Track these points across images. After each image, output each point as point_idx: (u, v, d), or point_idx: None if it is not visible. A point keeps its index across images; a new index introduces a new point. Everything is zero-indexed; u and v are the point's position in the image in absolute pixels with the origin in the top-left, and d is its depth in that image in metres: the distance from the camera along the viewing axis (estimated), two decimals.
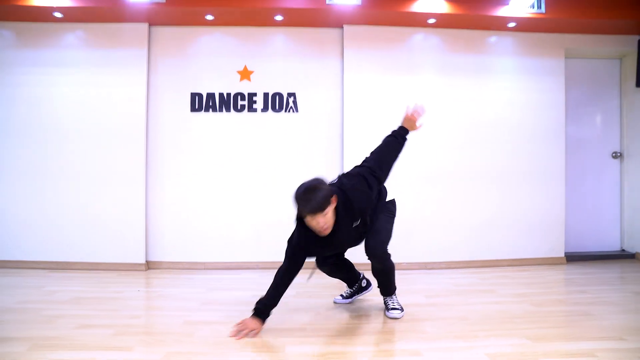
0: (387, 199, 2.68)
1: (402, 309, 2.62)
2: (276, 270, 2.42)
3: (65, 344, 2.14)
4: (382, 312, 2.69)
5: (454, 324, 2.46)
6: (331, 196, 2.24)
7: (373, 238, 2.48)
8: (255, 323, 2.32)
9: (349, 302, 2.90)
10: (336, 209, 2.29)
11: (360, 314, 2.68)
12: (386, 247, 2.52)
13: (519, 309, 2.75)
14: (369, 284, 2.94)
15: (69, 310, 2.68)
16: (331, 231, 2.30)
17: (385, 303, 2.68)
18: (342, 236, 2.38)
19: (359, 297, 2.95)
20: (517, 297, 3.02)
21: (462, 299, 2.97)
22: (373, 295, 2.95)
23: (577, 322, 2.49)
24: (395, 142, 2.62)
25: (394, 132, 2.65)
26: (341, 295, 2.92)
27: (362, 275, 2.93)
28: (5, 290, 3.13)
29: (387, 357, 2.06)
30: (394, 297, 2.68)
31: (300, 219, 2.35)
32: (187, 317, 2.58)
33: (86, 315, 2.59)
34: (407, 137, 2.66)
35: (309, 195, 2.19)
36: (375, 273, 2.60)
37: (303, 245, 2.37)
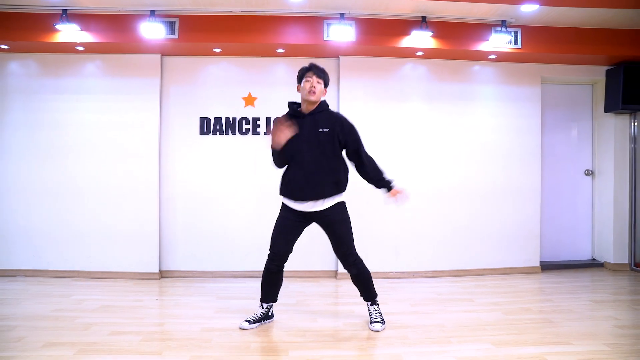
0: (339, 200, 2.83)
1: (383, 322, 2.91)
2: None
3: (105, 349, 2.54)
4: (366, 320, 3.09)
5: (432, 331, 2.88)
6: (327, 84, 2.84)
7: (340, 248, 2.86)
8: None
9: (255, 327, 2.91)
10: (323, 103, 2.83)
11: (352, 321, 3.07)
12: (355, 252, 2.87)
13: (490, 316, 3.17)
14: (272, 316, 3.04)
15: (100, 319, 3.07)
16: (307, 118, 2.77)
17: (369, 313, 2.99)
18: (310, 130, 2.74)
19: (262, 324, 2.97)
20: (491, 305, 3.44)
21: (442, 307, 3.39)
22: (361, 304, 3.36)
23: (537, 328, 2.91)
24: (376, 171, 2.91)
25: (383, 175, 2.90)
26: (247, 321, 2.91)
27: (272, 305, 3.03)
28: (38, 299, 3.53)
29: None
30: (376, 306, 2.99)
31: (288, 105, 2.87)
32: (204, 325, 2.97)
33: (115, 323, 2.98)
34: (379, 187, 2.91)
35: (323, 68, 2.82)
36: (354, 280, 2.95)
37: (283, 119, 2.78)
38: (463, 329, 2.91)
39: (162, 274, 4.31)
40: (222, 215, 4.34)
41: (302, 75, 2.81)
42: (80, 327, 2.89)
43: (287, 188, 2.82)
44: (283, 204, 2.90)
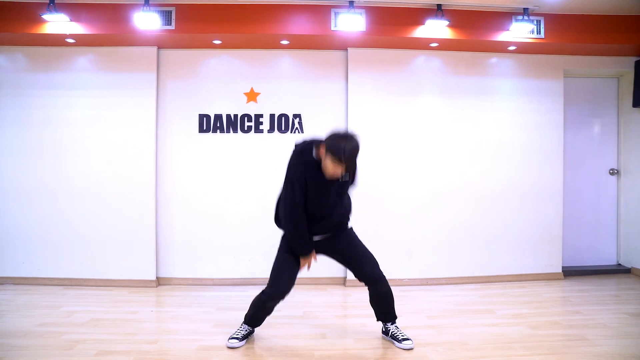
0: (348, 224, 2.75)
1: (410, 338, 2.69)
2: (286, 222, 2.57)
3: None
4: (378, 335, 2.81)
5: (454, 349, 2.60)
6: None
7: (367, 264, 2.63)
8: (309, 257, 2.57)
9: (243, 344, 2.71)
10: None
11: (362, 338, 2.80)
12: (379, 266, 2.66)
13: (516, 332, 2.88)
14: (253, 330, 2.83)
15: (88, 335, 2.81)
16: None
17: (391, 333, 2.72)
18: (333, 181, 2.49)
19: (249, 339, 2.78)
20: (515, 317, 3.15)
21: (462, 321, 3.10)
22: (371, 316, 3.08)
23: (571, 347, 2.62)
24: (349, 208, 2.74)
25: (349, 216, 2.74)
26: (236, 339, 2.68)
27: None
28: (24, 311, 3.27)
29: None
30: (396, 324, 2.76)
31: (301, 152, 2.50)
32: (201, 342, 2.71)
33: (104, 340, 2.72)
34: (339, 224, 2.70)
35: (355, 146, 2.33)
36: (378, 298, 2.69)
37: (300, 169, 2.46)
38: (488, 347, 2.63)
39: (160, 282, 4.05)
40: (223, 218, 4.07)
41: (334, 152, 2.32)
42: (64, 346, 2.63)
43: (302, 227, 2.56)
44: (284, 239, 2.65)
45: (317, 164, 2.46)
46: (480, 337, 2.79)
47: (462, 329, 2.93)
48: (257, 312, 2.70)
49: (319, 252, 2.65)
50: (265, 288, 2.62)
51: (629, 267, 4.39)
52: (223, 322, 3.08)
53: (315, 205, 2.52)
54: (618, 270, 4.41)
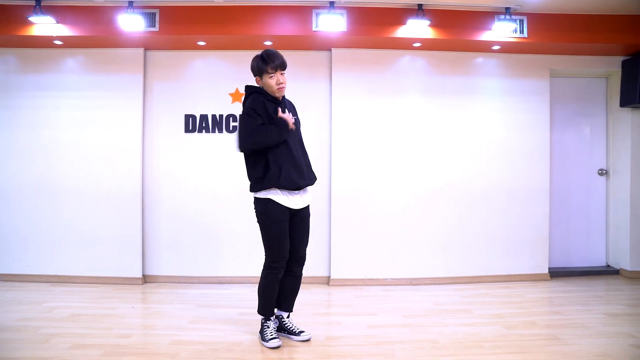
0: None
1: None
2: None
3: None
4: (358, 333, 2.81)
5: (423, 347, 2.60)
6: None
7: (304, 245, 2.68)
8: (287, 124, 2.50)
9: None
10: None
11: (339, 334, 2.80)
12: None
13: (490, 331, 2.86)
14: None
15: (66, 329, 2.86)
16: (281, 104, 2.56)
17: (286, 326, 2.71)
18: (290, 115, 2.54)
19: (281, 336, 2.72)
20: (492, 317, 3.14)
21: (438, 320, 3.09)
22: (350, 314, 3.09)
23: (542, 346, 2.61)
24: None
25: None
26: (276, 339, 2.61)
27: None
28: (7, 306, 3.34)
29: None
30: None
31: (251, 90, 2.56)
32: (175, 337, 2.74)
33: (80, 335, 2.76)
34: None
35: (279, 53, 2.51)
36: (293, 284, 2.69)
37: (260, 105, 2.49)
38: (458, 346, 2.62)
39: (146, 279, 4.10)
40: (208, 217, 4.11)
41: (259, 68, 2.51)
42: (40, 340, 2.67)
43: (285, 177, 2.49)
44: (271, 205, 2.53)
45: (268, 98, 2.54)
46: (452, 336, 2.78)
47: (435, 328, 2.92)
48: (268, 295, 2.61)
49: (291, 221, 2.60)
50: (269, 264, 2.57)
51: (618, 268, 4.34)
52: (200, 318, 3.11)
53: (281, 150, 2.50)
54: (607, 272, 4.36)
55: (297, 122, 2.63)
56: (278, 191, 2.51)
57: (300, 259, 2.70)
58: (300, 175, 2.54)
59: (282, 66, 2.52)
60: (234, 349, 2.59)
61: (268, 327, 2.64)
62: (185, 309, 3.32)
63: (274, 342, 2.57)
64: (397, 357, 2.46)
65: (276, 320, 2.73)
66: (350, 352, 2.53)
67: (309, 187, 2.65)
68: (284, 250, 2.57)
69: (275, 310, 2.75)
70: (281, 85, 2.53)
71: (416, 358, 2.45)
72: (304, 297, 3.67)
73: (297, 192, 2.56)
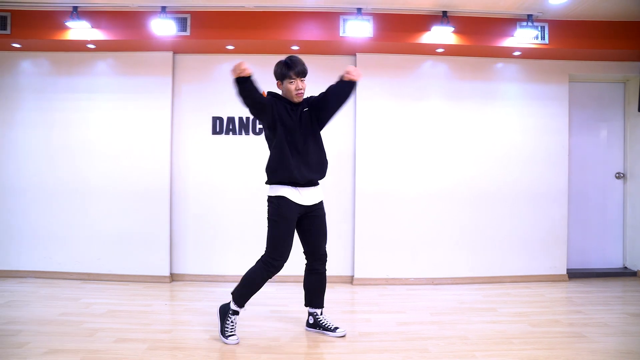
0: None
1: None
2: None
3: (109, 357, 2.43)
4: (382, 329, 2.91)
5: (454, 344, 2.69)
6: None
7: (322, 244, 2.75)
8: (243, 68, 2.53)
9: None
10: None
11: (369, 331, 2.90)
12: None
13: (516, 329, 2.96)
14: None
15: (107, 324, 2.97)
16: (298, 108, 2.67)
17: (322, 323, 2.81)
18: (300, 115, 2.66)
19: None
20: (516, 316, 3.23)
21: (464, 318, 3.19)
22: (377, 312, 3.18)
23: (569, 343, 2.70)
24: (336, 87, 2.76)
25: (338, 82, 2.76)
26: (234, 335, 2.70)
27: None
28: (45, 302, 3.46)
29: None
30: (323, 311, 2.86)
31: (271, 95, 2.70)
32: (213, 332, 2.84)
33: (122, 329, 2.87)
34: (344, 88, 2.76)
35: (301, 60, 2.65)
36: (317, 281, 2.79)
37: (272, 101, 2.65)
38: (487, 342, 2.71)
39: (173, 277, 4.20)
40: (235, 217, 4.21)
41: (282, 73, 2.66)
42: (85, 333, 2.78)
43: (289, 171, 2.60)
44: (279, 202, 2.63)
45: (286, 100, 2.67)
46: (480, 333, 2.87)
47: (463, 325, 3.01)
48: (252, 287, 2.71)
49: (300, 221, 2.69)
50: (267, 259, 2.64)
51: (635, 270, 4.42)
52: None
53: (290, 146, 2.61)
54: (624, 273, 4.44)
55: (306, 115, 2.68)
56: (289, 187, 2.62)
57: (322, 257, 2.79)
58: (308, 170, 2.64)
59: (303, 73, 2.67)
60: (271, 344, 2.69)
61: (232, 323, 2.69)
62: (216, 306, 3.40)
63: (233, 339, 2.65)
64: (431, 352, 2.56)
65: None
66: (386, 347, 2.63)
67: (319, 185, 2.74)
68: (286, 252, 2.63)
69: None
70: (299, 91, 2.66)
71: (449, 353, 2.55)
72: (329, 295, 3.74)
73: (306, 187, 2.66)
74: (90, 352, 2.49)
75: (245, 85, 2.51)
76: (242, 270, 4.18)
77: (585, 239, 4.49)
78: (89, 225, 4.16)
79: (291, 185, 2.63)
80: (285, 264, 2.69)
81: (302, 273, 2.87)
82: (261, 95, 2.60)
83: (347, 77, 2.68)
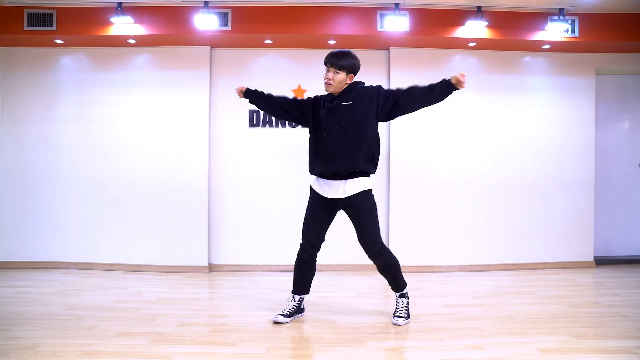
0: (365, 188, 2.72)
1: (407, 317, 2.81)
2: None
3: (178, 339, 2.52)
4: (423, 311, 3.03)
5: (504, 322, 2.81)
6: (353, 69, 2.77)
7: (362, 237, 2.74)
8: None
9: (289, 321, 2.82)
10: (353, 83, 2.78)
11: (420, 312, 3.01)
12: (378, 243, 2.73)
13: (558, 309, 3.08)
14: (303, 309, 2.96)
15: (163, 310, 3.06)
16: (334, 102, 2.75)
17: (396, 305, 2.86)
18: (335, 106, 2.72)
19: (295, 318, 2.89)
20: (555, 298, 3.35)
21: (506, 300, 3.31)
22: (422, 296, 3.30)
23: (614, 322, 2.82)
24: (423, 91, 2.80)
25: (432, 86, 2.81)
26: (281, 315, 2.82)
27: (304, 298, 2.95)
28: (96, 290, 3.55)
29: (455, 351, 2.40)
30: (404, 299, 2.86)
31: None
32: (270, 317, 2.92)
33: (179, 315, 2.96)
34: (443, 95, 2.80)
35: (342, 51, 2.75)
36: (381, 271, 2.86)
37: (304, 102, 2.92)
38: (536, 321, 2.83)
39: (211, 268, 4.30)
40: (271, 208, 4.32)
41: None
42: (147, 318, 2.88)
43: (313, 164, 2.81)
44: (311, 191, 2.85)
45: (331, 94, 2.79)
46: (527, 313, 2.99)
47: (508, 307, 3.13)
48: (297, 274, 2.88)
49: (338, 207, 2.78)
50: (300, 240, 2.87)
51: None
52: (283, 300, 3.28)
53: (316, 140, 2.77)
54: None
55: (344, 109, 2.70)
56: (315, 179, 2.82)
57: (367, 252, 2.76)
58: (330, 163, 2.67)
59: (329, 63, 2.74)
60: (330, 325, 2.80)
61: (289, 306, 2.86)
62: (264, 294, 3.52)
63: (277, 317, 2.80)
64: (485, 330, 2.68)
65: (298, 300, 2.88)
66: (442, 327, 2.74)
67: (355, 179, 2.68)
68: (307, 234, 2.81)
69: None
70: (326, 81, 2.74)
71: (503, 331, 2.67)
72: (370, 282, 3.90)
73: (331, 181, 2.71)
74: (159, 335, 2.58)
75: (252, 102, 3.00)
76: (280, 260, 4.34)
77: (610, 227, 4.62)
78: (128, 217, 4.25)
79: (318, 177, 2.81)
80: (313, 247, 2.83)
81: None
82: (277, 103, 2.94)
83: (460, 85, 2.67)
